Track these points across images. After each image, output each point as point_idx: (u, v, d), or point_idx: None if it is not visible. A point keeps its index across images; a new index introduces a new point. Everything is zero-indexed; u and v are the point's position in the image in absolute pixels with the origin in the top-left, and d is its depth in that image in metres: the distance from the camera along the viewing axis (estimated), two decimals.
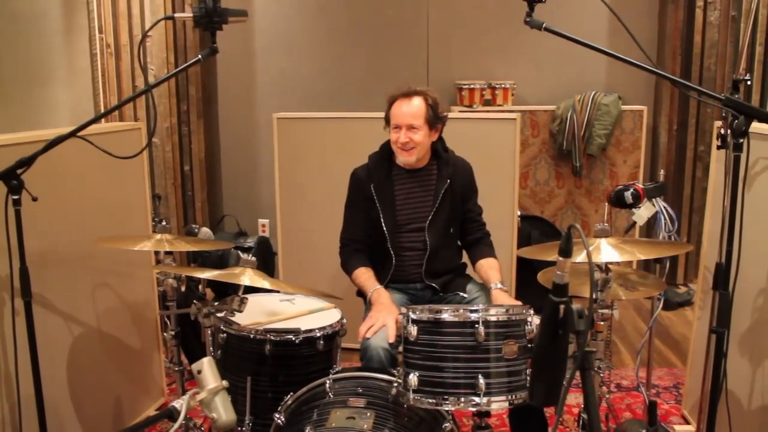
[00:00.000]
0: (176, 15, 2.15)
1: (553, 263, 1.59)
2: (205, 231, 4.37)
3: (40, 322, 2.09)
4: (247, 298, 2.19)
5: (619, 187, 2.51)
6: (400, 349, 1.87)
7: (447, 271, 2.64)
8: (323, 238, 3.55)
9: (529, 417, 2.28)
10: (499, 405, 1.79)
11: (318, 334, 2.24)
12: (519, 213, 3.55)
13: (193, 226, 4.38)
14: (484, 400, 1.75)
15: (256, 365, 2.22)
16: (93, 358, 2.69)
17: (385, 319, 2.27)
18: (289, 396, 2.05)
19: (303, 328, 2.24)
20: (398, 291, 2.61)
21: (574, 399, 3.08)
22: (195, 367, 1.64)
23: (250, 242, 4.55)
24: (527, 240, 4.03)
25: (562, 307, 1.46)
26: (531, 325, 1.84)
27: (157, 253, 3.04)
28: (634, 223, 2.54)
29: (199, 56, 2.03)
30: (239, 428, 2.18)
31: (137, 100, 4.53)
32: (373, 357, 2.20)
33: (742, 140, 1.80)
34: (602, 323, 2.18)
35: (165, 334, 2.65)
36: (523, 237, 3.86)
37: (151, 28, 2.27)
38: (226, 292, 3.05)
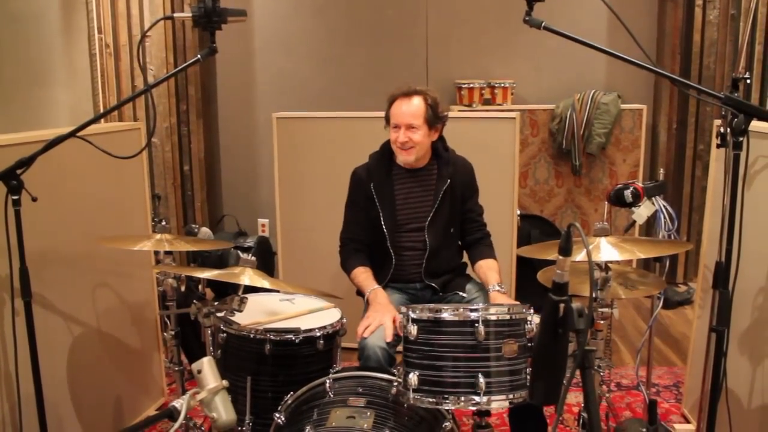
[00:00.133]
0: (175, 15, 2.15)
1: (552, 262, 1.60)
2: (205, 231, 4.37)
3: (40, 322, 2.09)
4: (246, 298, 2.19)
5: (619, 185, 2.51)
6: (400, 348, 1.87)
7: (447, 271, 2.64)
8: (323, 238, 3.55)
9: (529, 416, 2.28)
10: (499, 404, 1.79)
11: (318, 334, 2.24)
12: (518, 212, 3.55)
13: (193, 225, 4.38)
14: (484, 399, 1.75)
15: (256, 365, 2.22)
16: (93, 357, 2.69)
17: (382, 319, 2.28)
18: (289, 395, 2.05)
19: (303, 328, 2.24)
20: (398, 291, 2.61)
21: (575, 398, 3.08)
22: (195, 366, 1.64)
23: (250, 242, 4.55)
24: (527, 239, 4.03)
25: (562, 305, 1.46)
26: (531, 324, 1.84)
27: (156, 253, 3.03)
28: (634, 221, 2.54)
29: (199, 56, 2.03)
30: (239, 428, 2.18)
31: (137, 100, 4.53)
32: (371, 356, 2.21)
33: (741, 139, 1.80)
34: (602, 322, 2.18)
35: (165, 333, 2.65)
36: (522, 236, 3.86)
37: (150, 28, 2.27)
38: (226, 291, 3.05)
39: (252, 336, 2.22)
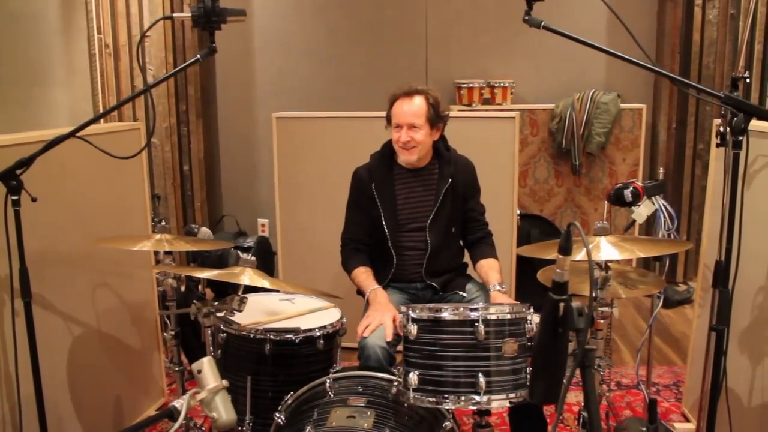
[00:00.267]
0: (175, 15, 2.15)
1: (552, 261, 1.60)
2: (205, 231, 4.37)
3: (40, 323, 2.09)
4: (246, 298, 2.19)
5: (619, 185, 2.51)
6: (400, 348, 1.87)
7: (447, 271, 2.64)
8: (323, 238, 3.55)
9: (530, 415, 2.28)
10: (499, 403, 1.79)
11: (318, 334, 2.24)
12: (518, 212, 3.55)
13: (193, 225, 4.38)
14: (485, 398, 1.76)
15: (256, 365, 2.23)
16: (93, 358, 2.69)
17: (381, 318, 2.28)
18: (289, 395, 2.05)
19: (303, 328, 2.24)
20: (399, 291, 2.61)
21: (575, 397, 3.08)
22: (195, 366, 1.64)
23: (250, 242, 4.55)
24: (527, 238, 4.03)
25: (561, 305, 1.46)
26: (531, 323, 1.84)
27: (156, 253, 3.03)
28: (634, 221, 2.54)
29: (198, 56, 2.03)
30: (239, 428, 2.18)
31: (136, 101, 4.53)
32: (371, 356, 2.21)
33: (741, 138, 1.80)
34: (602, 321, 2.18)
35: (165, 334, 2.65)
36: (522, 235, 3.86)
37: (149, 28, 2.27)
38: (225, 291, 3.04)
39: (252, 336, 2.22)
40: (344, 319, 2.37)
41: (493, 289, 2.45)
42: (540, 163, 4.68)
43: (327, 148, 3.61)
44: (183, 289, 2.59)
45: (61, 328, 2.50)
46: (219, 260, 4.21)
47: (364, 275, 2.54)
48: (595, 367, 2.19)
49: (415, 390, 1.79)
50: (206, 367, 1.63)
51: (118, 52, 4.45)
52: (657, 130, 4.71)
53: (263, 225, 5.16)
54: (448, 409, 1.91)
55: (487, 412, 1.97)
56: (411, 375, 1.79)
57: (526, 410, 2.25)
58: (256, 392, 2.20)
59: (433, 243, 2.57)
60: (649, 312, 2.81)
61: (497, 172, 3.35)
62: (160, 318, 3.10)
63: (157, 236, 2.45)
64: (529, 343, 1.82)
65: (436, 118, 2.51)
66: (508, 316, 1.82)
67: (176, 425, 1.48)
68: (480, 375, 1.75)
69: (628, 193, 2.47)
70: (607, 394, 2.71)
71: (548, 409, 2.40)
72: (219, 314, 2.23)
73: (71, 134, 2.00)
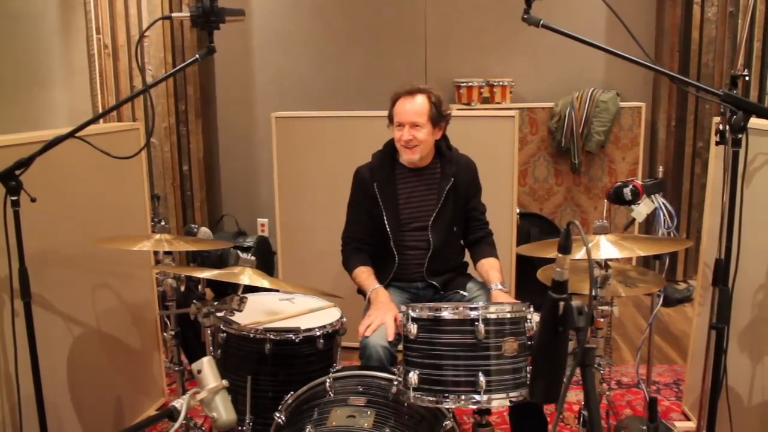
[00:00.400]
0: (173, 15, 2.15)
1: (552, 260, 1.59)
2: (205, 231, 4.37)
3: (40, 323, 2.09)
4: (246, 298, 2.19)
5: (618, 183, 2.51)
6: (400, 347, 1.87)
7: (448, 270, 2.64)
8: (323, 237, 3.55)
9: (530, 414, 2.28)
10: (499, 402, 1.79)
11: (318, 333, 2.24)
12: (518, 210, 3.55)
13: (192, 225, 4.38)
14: (485, 397, 1.76)
15: (256, 364, 2.22)
16: (93, 358, 2.69)
17: (383, 318, 2.27)
18: (289, 395, 2.05)
19: (303, 327, 2.24)
20: (400, 290, 2.61)
21: (575, 396, 3.08)
22: (195, 366, 1.64)
23: (250, 242, 4.55)
24: (526, 237, 4.03)
25: (561, 304, 1.46)
26: (531, 322, 1.84)
27: (156, 253, 3.03)
28: (633, 219, 2.54)
29: (197, 56, 2.02)
30: (240, 428, 2.18)
31: (135, 101, 4.53)
32: (372, 355, 2.21)
33: (740, 136, 1.80)
34: (602, 320, 2.18)
35: (165, 334, 2.65)
36: (522, 234, 3.86)
37: (148, 28, 2.27)
38: (225, 291, 3.04)
39: (252, 336, 2.22)
40: (344, 319, 2.37)
41: (494, 288, 2.45)
42: (539, 162, 4.68)
43: (326, 147, 3.61)
44: (183, 289, 2.58)
45: (60, 329, 2.50)
46: (219, 260, 4.21)
47: (365, 275, 2.53)
48: (596, 365, 2.19)
49: (415, 389, 1.79)
50: (206, 367, 1.63)
51: (117, 52, 4.45)
52: (656, 129, 4.71)
53: (263, 225, 5.15)
54: (448, 409, 1.91)
55: (488, 412, 1.97)
56: (411, 374, 1.79)
57: (526, 409, 2.25)
58: (256, 392, 2.20)
59: (436, 242, 2.57)
60: (649, 310, 2.81)
61: (497, 171, 3.35)
62: (160, 318, 3.10)
63: (157, 236, 2.44)
64: (530, 342, 1.82)
65: (439, 117, 2.51)
66: (508, 315, 1.82)
67: (176, 425, 1.48)
68: (480, 374, 1.75)
69: (627, 191, 2.47)
70: (608, 392, 2.70)
71: (548, 408, 2.40)
72: (219, 314, 2.22)
73: (70, 134, 2.00)
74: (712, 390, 1.99)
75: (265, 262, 4.55)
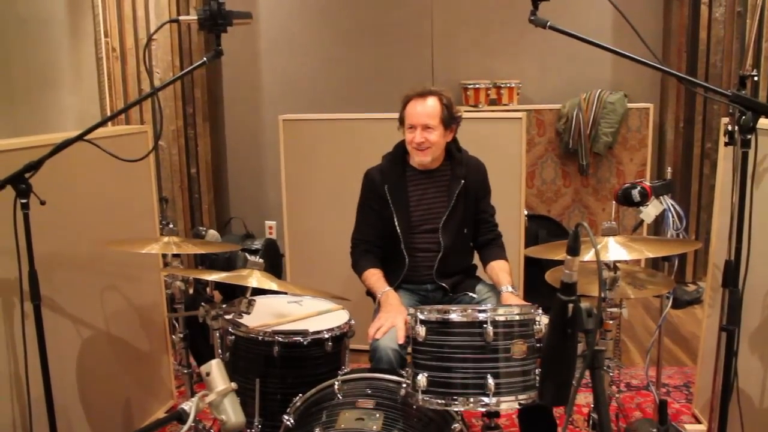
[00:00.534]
0: (181, 18, 2.15)
1: (561, 262, 1.59)
2: (213, 233, 4.38)
3: (50, 325, 2.10)
4: (254, 300, 2.19)
5: (627, 185, 2.50)
6: (409, 350, 1.87)
7: (458, 272, 2.64)
8: (330, 239, 3.56)
9: (539, 417, 2.27)
10: (508, 405, 1.78)
11: (326, 336, 2.24)
12: (526, 212, 3.54)
13: (201, 228, 4.39)
14: (494, 400, 1.75)
15: (264, 367, 2.23)
16: (102, 360, 2.70)
17: (394, 320, 2.27)
18: (297, 397, 2.05)
19: (311, 330, 2.24)
20: (409, 292, 2.60)
21: (584, 398, 3.07)
22: (204, 369, 1.64)
23: (258, 244, 4.56)
24: (534, 239, 4.02)
25: (570, 306, 1.46)
26: (540, 324, 1.83)
27: (164, 255, 3.03)
28: (642, 221, 2.53)
29: (205, 59, 2.03)
30: (248, 430, 2.18)
31: (143, 104, 4.54)
32: (383, 358, 2.20)
33: (749, 136, 1.79)
34: (611, 322, 2.17)
35: (173, 336, 2.66)
36: (530, 236, 3.85)
37: (156, 31, 2.29)
38: (233, 294, 3.05)
39: (260, 338, 2.22)
40: (352, 321, 2.37)
41: (504, 291, 2.44)
42: (547, 164, 4.67)
43: (334, 149, 3.62)
44: (191, 291, 2.59)
45: (70, 331, 2.51)
46: (227, 263, 4.22)
47: (375, 277, 2.53)
48: (605, 368, 2.19)
49: (423, 392, 1.79)
50: (215, 370, 1.63)
51: (125, 55, 4.47)
52: (664, 130, 4.69)
53: (271, 227, 5.16)
54: (457, 411, 1.90)
55: (497, 414, 1.97)
56: (420, 377, 1.79)
57: (535, 412, 2.24)
58: (264, 394, 2.20)
59: (446, 244, 2.57)
60: (659, 312, 2.80)
61: (504, 173, 3.34)
62: (169, 321, 3.10)
63: (165, 239, 2.45)
64: (538, 345, 1.82)
65: (450, 119, 2.51)
66: (517, 318, 1.81)
67: (185, 428, 1.49)
68: (489, 376, 1.75)
69: (636, 193, 2.46)
70: (617, 395, 2.70)
71: (558, 411, 2.39)
72: (227, 317, 2.23)
73: (79, 137, 2.01)
74: (722, 392, 1.98)
75: (273, 264, 4.55)
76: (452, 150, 2.63)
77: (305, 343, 2.22)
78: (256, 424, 2.18)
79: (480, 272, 2.72)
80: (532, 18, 1.88)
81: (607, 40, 4.54)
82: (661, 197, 2.50)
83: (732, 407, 2.00)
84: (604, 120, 4.47)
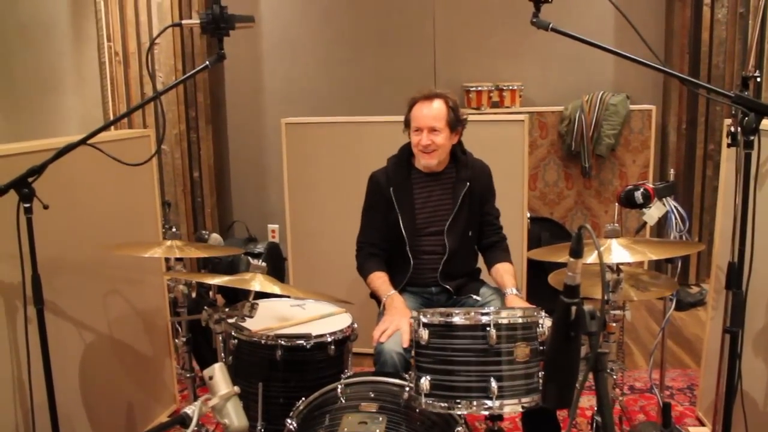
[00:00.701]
0: (183, 22, 2.15)
1: (563, 265, 1.59)
2: (215, 237, 4.38)
3: (52, 330, 2.10)
4: (257, 304, 2.19)
5: (629, 187, 2.49)
6: (413, 353, 1.87)
7: (462, 275, 2.64)
8: (333, 243, 3.56)
9: (543, 420, 2.27)
10: (511, 408, 1.78)
11: (329, 339, 2.24)
12: (528, 215, 3.53)
13: (203, 232, 4.39)
14: (497, 403, 1.75)
15: (267, 371, 2.22)
16: (105, 365, 2.70)
17: (398, 323, 2.27)
18: (300, 401, 2.04)
19: (314, 333, 2.24)
20: (414, 295, 2.60)
21: (587, 401, 3.06)
22: (206, 373, 1.64)
23: (260, 248, 4.56)
24: (537, 242, 4.01)
25: (573, 308, 1.45)
26: (543, 327, 1.83)
27: (167, 259, 3.03)
28: (645, 223, 2.53)
29: (207, 63, 2.03)
30: None
31: (146, 108, 4.55)
32: (387, 361, 2.20)
33: (752, 138, 1.79)
34: (614, 324, 2.17)
35: (176, 340, 2.66)
36: (533, 239, 3.85)
37: (158, 35, 2.29)
38: (236, 297, 3.05)
39: (263, 342, 2.22)
40: (355, 325, 2.37)
41: (509, 293, 2.44)
42: (550, 166, 4.67)
43: (336, 153, 3.62)
44: (194, 295, 2.59)
45: (73, 335, 2.51)
46: (230, 266, 4.22)
47: (380, 280, 2.53)
48: (608, 370, 2.18)
49: (426, 395, 1.79)
50: (218, 374, 1.63)
51: (128, 59, 4.48)
52: (667, 131, 4.68)
53: (273, 231, 5.16)
54: (460, 415, 1.90)
55: (500, 417, 1.96)
56: (423, 380, 1.79)
57: (539, 415, 2.23)
58: (267, 398, 2.20)
59: (452, 247, 2.57)
60: (662, 315, 2.79)
61: (507, 176, 3.33)
62: (172, 324, 3.10)
63: (168, 243, 2.45)
64: (542, 347, 1.81)
65: (456, 121, 2.52)
66: (520, 320, 1.81)
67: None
68: (492, 380, 1.74)
69: (638, 194, 2.45)
70: (621, 398, 2.68)
71: (561, 414, 2.38)
72: (230, 320, 2.23)
73: (82, 142, 2.01)
74: (726, 395, 1.97)
75: (276, 268, 4.55)
76: (457, 152, 2.63)
77: (308, 346, 2.22)
78: (259, 428, 2.17)
79: (484, 275, 2.72)
80: (534, 20, 1.88)
81: (609, 41, 4.55)
82: (663, 199, 2.50)
83: (736, 410, 2.00)
84: (607, 122, 4.47)
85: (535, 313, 1.84)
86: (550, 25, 1.86)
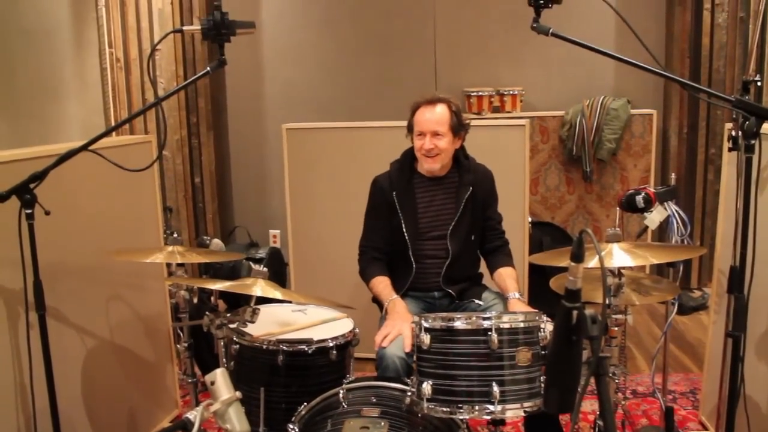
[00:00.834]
0: (185, 28, 2.16)
1: (565, 269, 1.58)
2: (217, 242, 4.38)
3: (54, 335, 2.10)
4: (259, 309, 2.19)
5: (630, 191, 2.50)
6: (415, 358, 1.87)
7: (464, 279, 2.64)
8: (334, 248, 3.56)
9: (545, 424, 2.27)
10: (513, 413, 1.78)
11: (331, 344, 2.24)
12: (530, 219, 3.53)
13: (205, 237, 4.39)
14: (499, 408, 1.75)
15: (269, 376, 2.22)
16: (107, 370, 2.70)
17: (401, 328, 2.27)
18: (302, 406, 2.04)
19: (315, 339, 2.24)
20: (416, 299, 2.60)
21: (590, 405, 3.06)
22: (208, 378, 1.64)
23: (262, 253, 4.56)
24: (539, 246, 4.01)
25: (575, 312, 1.45)
26: (544, 331, 1.83)
27: (169, 265, 3.04)
28: (646, 227, 2.53)
29: (208, 68, 2.04)
30: None
31: (147, 114, 4.56)
32: (389, 366, 2.20)
33: (753, 142, 1.79)
34: (616, 329, 2.16)
35: (178, 345, 2.66)
36: (534, 243, 3.85)
37: (160, 41, 2.29)
38: (238, 303, 3.05)
39: (265, 347, 2.22)
40: (357, 330, 2.37)
41: (511, 297, 2.45)
42: (551, 171, 4.67)
43: (337, 158, 3.62)
44: (195, 300, 2.59)
45: (74, 341, 2.51)
46: (231, 272, 4.22)
47: (382, 285, 2.53)
48: (610, 375, 2.18)
49: (428, 400, 1.79)
50: (219, 379, 1.63)
51: (129, 65, 4.49)
52: (668, 136, 4.68)
53: (275, 236, 5.17)
54: (462, 419, 1.90)
55: (502, 422, 1.96)
56: (424, 385, 1.79)
57: (541, 419, 2.23)
58: (269, 403, 2.20)
59: (454, 251, 2.57)
60: (664, 319, 2.79)
61: (508, 180, 3.33)
62: (173, 330, 3.10)
63: (170, 248, 2.46)
64: (543, 352, 1.81)
65: (459, 126, 2.53)
66: (522, 325, 1.81)
67: None
68: (494, 384, 1.74)
69: (640, 199, 2.46)
70: (623, 402, 2.69)
71: (564, 418, 2.38)
72: (231, 326, 2.23)
73: (84, 148, 2.01)
74: (729, 399, 1.97)
75: (278, 273, 4.55)
76: (460, 157, 2.63)
77: (310, 351, 2.21)
78: None
79: (486, 279, 2.72)
80: (535, 25, 1.88)
81: (610, 46, 4.55)
82: (665, 203, 2.50)
83: (739, 413, 1.99)
84: (608, 126, 4.47)
85: (537, 318, 1.84)
86: (551, 30, 1.86)
